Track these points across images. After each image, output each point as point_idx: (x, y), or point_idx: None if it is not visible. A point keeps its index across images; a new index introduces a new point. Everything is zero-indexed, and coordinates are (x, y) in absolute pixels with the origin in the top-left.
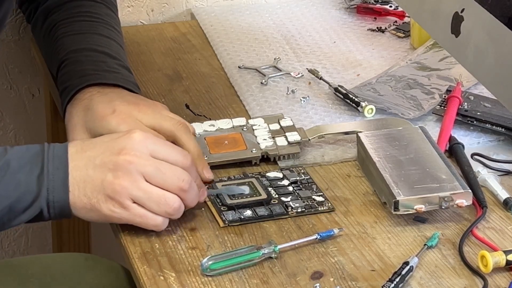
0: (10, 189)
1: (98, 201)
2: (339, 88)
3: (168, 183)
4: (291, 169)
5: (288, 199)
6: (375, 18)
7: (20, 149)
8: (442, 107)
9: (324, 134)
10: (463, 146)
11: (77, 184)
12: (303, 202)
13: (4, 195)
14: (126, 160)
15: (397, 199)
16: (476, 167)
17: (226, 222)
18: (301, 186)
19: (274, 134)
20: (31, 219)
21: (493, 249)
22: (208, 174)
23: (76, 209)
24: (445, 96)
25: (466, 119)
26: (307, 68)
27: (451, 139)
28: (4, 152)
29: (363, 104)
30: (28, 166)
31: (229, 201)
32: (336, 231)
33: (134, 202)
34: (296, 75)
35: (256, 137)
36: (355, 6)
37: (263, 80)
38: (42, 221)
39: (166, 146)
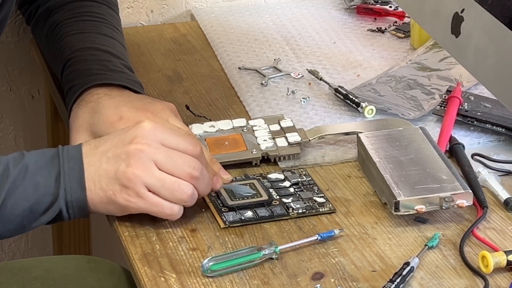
0: (30, 192)
1: (114, 192)
2: (339, 88)
3: (180, 170)
4: (292, 170)
5: (289, 200)
6: (375, 19)
7: (37, 153)
8: (443, 108)
9: (325, 135)
10: (463, 146)
11: (92, 180)
12: (304, 203)
13: (24, 198)
14: (137, 149)
15: (398, 199)
16: (477, 167)
17: (227, 223)
18: (302, 187)
19: (274, 135)
20: (51, 220)
21: (494, 249)
22: (226, 176)
23: (95, 205)
24: (445, 97)
25: (466, 120)
26: (307, 69)
27: (452, 139)
28: (22, 156)
29: (363, 104)
30: (46, 169)
31: (230, 202)
32: (336, 231)
33: (149, 191)
34: (296, 76)
35: (256, 138)
36: (355, 6)
37: (263, 81)
38: (62, 221)
39: (176, 135)
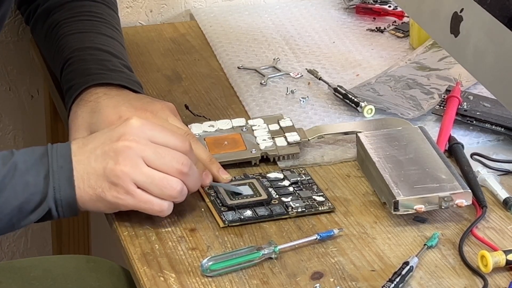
0: (19, 191)
1: (103, 190)
2: (338, 88)
3: (168, 166)
4: (291, 169)
5: (289, 199)
6: (374, 18)
7: (26, 151)
8: (442, 107)
9: (324, 135)
10: (462, 146)
11: (81, 178)
12: (304, 202)
13: (13, 196)
14: (125, 146)
15: (397, 199)
16: (476, 167)
17: (226, 223)
18: (301, 186)
19: (273, 134)
20: (40, 219)
21: (493, 249)
22: (225, 175)
23: (84, 202)
24: (444, 96)
25: (465, 119)
26: (306, 69)
27: (451, 139)
28: (11, 154)
29: (362, 104)
30: (35, 167)
31: (229, 202)
32: (336, 231)
33: (138, 188)
34: (296, 76)
35: (255, 137)
36: (354, 6)
37: (263, 81)
38: (51, 220)
39: (164, 132)
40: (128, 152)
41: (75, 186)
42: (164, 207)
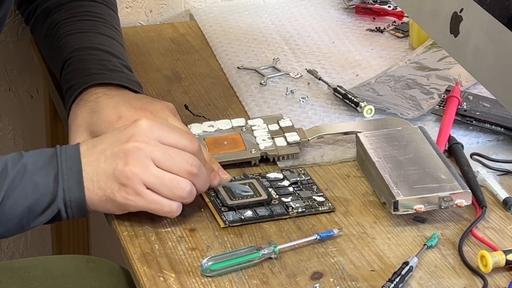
0: (29, 192)
1: (112, 191)
2: (338, 88)
3: (178, 167)
4: (291, 169)
5: (289, 199)
6: (374, 18)
7: (35, 153)
8: (441, 107)
9: (323, 135)
10: (462, 146)
11: (90, 179)
12: (304, 202)
13: (23, 198)
14: (135, 147)
15: (397, 199)
16: (476, 167)
17: (227, 223)
18: (301, 186)
19: (273, 134)
20: (49, 220)
21: (493, 249)
22: (225, 175)
23: (94, 204)
24: (444, 96)
25: (465, 119)
26: (306, 69)
27: (450, 139)
28: (20, 156)
29: (362, 104)
30: (45, 169)
31: (229, 202)
32: (335, 231)
33: (148, 189)
34: (295, 76)
35: (255, 137)
36: (354, 6)
37: (262, 81)
38: (60, 221)
39: (173, 132)
40: (137, 153)
41: (84, 187)
42: (173, 207)
